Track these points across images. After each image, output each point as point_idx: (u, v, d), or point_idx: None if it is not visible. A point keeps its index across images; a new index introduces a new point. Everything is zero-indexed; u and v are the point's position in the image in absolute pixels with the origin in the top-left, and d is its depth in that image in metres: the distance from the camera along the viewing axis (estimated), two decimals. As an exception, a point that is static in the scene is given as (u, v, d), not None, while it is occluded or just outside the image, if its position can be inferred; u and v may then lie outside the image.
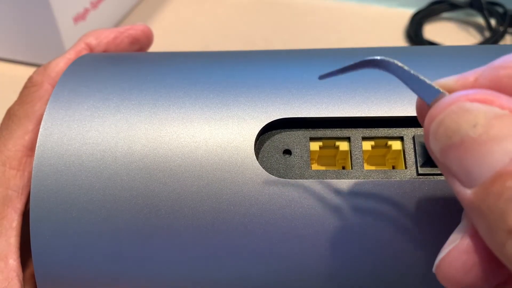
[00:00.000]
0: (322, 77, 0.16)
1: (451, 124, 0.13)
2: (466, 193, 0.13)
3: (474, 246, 0.13)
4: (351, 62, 0.15)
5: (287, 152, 0.20)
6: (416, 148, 0.19)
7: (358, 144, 0.20)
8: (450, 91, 0.14)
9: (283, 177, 0.19)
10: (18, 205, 0.21)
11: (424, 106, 0.15)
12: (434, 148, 0.14)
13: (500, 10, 0.48)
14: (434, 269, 0.14)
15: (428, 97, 0.14)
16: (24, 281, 0.21)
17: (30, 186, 0.22)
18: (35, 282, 0.22)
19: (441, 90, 0.14)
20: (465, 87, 0.14)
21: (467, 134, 0.12)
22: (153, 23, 0.52)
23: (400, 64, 0.14)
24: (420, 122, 0.16)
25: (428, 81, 0.14)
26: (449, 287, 0.13)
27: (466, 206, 0.13)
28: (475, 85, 0.13)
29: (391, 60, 0.14)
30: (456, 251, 0.13)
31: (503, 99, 0.12)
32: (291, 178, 0.19)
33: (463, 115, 0.13)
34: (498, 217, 0.12)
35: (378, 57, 0.14)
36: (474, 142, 0.12)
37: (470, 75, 0.14)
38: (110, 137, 0.19)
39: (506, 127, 0.12)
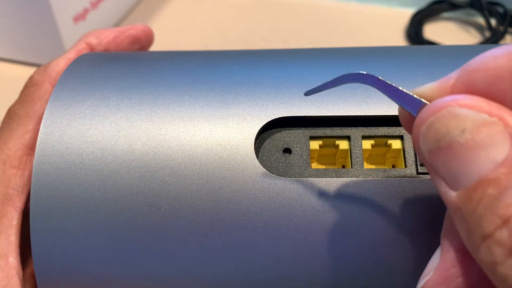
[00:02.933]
0: (307, 93, 0.17)
1: (440, 127, 0.13)
2: (450, 195, 0.13)
3: (446, 278, 0.14)
4: (337, 75, 0.16)
5: (287, 150, 0.20)
6: None
7: (358, 143, 0.20)
8: (430, 98, 0.14)
9: (283, 176, 0.19)
10: (18, 204, 0.21)
11: (407, 114, 0.15)
12: (423, 150, 0.14)
13: (500, 10, 0.49)
14: None
15: (411, 108, 0.14)
16: (24, 280, 0.21)
17: (30, 184, 0.22)
18: (35, 281, 0.22)
19: (424, 101, 0.14)
20: (443, 93, 0.14)
21: (455, 138, 0.13)
22: (153, 23, 0.52)
23: (381, 78, 0.14)
24: (404, 128, 0.16)
25: (410, 93, 0.14)
26: None
27: (450, 207, 0.13)
28: (453, 91, 0.14)
29: (373, 75, 0.15)
30: (430, 284, 0.14)
31: (492, 106, 0.13)
32: (291, 177, 0.19)
33: (452, 120, 0.13)
34: (476, 222, 0.12)
35: (361, 72, 0.15)
36: (461, 147, 0.13)
37: (449, 81, 0.14)
38: (110, 135, 0.19)
39: (493, 134, 0.12)
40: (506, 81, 0.13)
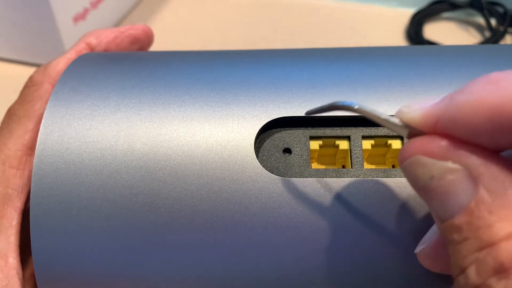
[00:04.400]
0: (308, 113, 0.18)
1: (412, 173, 0.14)
2: (437, 222, 0.14)
3: (436, 253, 0.16)
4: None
5: (287, 151, 0.20)
6: None
7: (358, 143, 0.20)
8: (413, 126, 0.14)
9: (283, 176, 0.19)
10: (18, 204, 0.21)
11: None
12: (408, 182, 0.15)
13: (500, 10, 0.49)
14: (415, 252, 0.17)
15: (400, 132, 0.15)
16: (24, 280, 0.21)
17: (29, 185, 0.22)
18: (35, 282, 0.22)
19: (407, 129, 0.15)
20: (427, 125, 0.14)
21: (426, 184, 0.14)
22: (153, 23, 0.52)
23: (368, 109, 0.15)
24: None
25: (396, 123, 0.15)
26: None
27: (439, 230, 0.14)
28: (436, 129, 0.14)
29: (361, 106, 0.15)
30: (424, 252, 0.16)
31: (456, 153, 0.13)
32: (291, 177, 0.19)
33: (420, 168, 0.14)
34: (453, 258, 0.13)
35: (349, 103, 0.15)
36: (432, 192, 0.14)
37: (433, 115, 0.14)
38: (110, 135, 0.19)
39: (456, 181, 0.13)
40: (485, 137, 0.13)
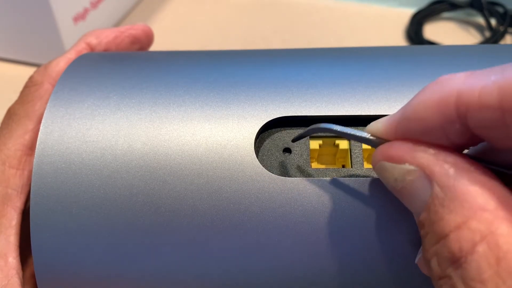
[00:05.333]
0: (294, 140, 0.19)
1: (382, 177, 0.16)
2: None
3: None
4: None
5: (287, 150, 0.20)
6: None
7: (357, 143, 0.20)
8: (378, 136, 0.16)
9: (283, 176, 0.19)
10: (18, 204, 0.21)
11: None
12: None
13: (500, 10, 0.49)
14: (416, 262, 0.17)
15: (373, 146, 0.16)
16: (24, 280, 0.21)
17: (29, 185, 0.22)
18: (35, 282, 0.22)
19: (376, 140, 0.16)
20: (390, 135, 0.16)
21: (393, 185, 0.15)
22: (153, 23, 0.52)
23: (338, 128, 0.17)
24: None
25: (365, 136, 0.16)
26: None
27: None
28: (396, 136, 0.15)
29: (336, 127, 0.17)
30: (420, 261, 0.16)
31: (410, 155, 0.14)
32: (291, 177, 0.19)
33: (385, 173, 0.15)
34: (423, 254, 0.14)
35: (324, 125, 0.17)
36: (399, 192, 0.15)
37: (391, 125, 0.16)
38: (110, 135, 0.19)
39: (414, 181, 0.14)
40: (437, 131, 0.14)
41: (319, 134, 0.20)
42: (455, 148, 0.14)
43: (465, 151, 0.15)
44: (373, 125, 0.16)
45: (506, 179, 0.14)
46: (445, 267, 0.13)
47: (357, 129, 0.17)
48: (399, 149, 0.15)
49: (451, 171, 0.13)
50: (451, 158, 0.14)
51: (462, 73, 0.14)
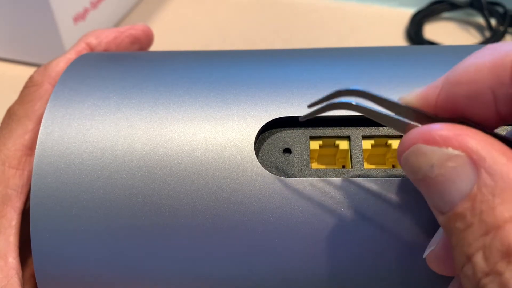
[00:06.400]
0: (302, 118, 0.18)
1: (413, 163, 0.14)
2: (437, 216, 0.14)
3: (445, 254, 0.15)
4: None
5: (287, 150, 0.20)
6: None
7: (358, 143, 0.20)
8: (417, 106, 0.15)
9: (283, 176, 0.19)
10: (17, 204, 0.21)
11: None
12: (408, 176, 0.15)
13: (500, 10, 0.48)
14: (424, 257, 0.16)
15: (398, 127, 0.15)
16: (24, 281, 0.21)
17: (29, 185, 0.22)
18: (35, 282, 0.22)
19: (406, 121, 0.15)
20: (427, 105, 0.15)
21: (427, 174, 0.14)
22: (153, 23, 0.52)
23: (361, 104, 0.15)
24: None
25: (391, 116, 0.15)
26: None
27: (440, 224, 0.14)
28: (437, 104, 0.14)
29: (359, 103, 0.15)
30: (433, 254, 0.16)
31: (456, 139, 0.13)
32: (291, 177, 0.19)
33: (421, 157, 0.14)
34: (457, 248, 0.13)
35: (346, 100, 0.16)
36: (433, 181, 0.14)
37: (432, 91, 0.15)
38: (110, 135, 0.19)
39: (457, 168, 0.13)
40: (486, 95, 0.13)
41: (319, 134, 0.20)
42: (497, 119, 0.14)
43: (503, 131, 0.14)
44: (409, 95, 0.15)
45: None
46: (494, 261, 0.12)
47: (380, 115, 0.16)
48: (444, 130, 0.13)
49: (503, 159, 0.12)
50: (500, 146, 0.13)
51: (511, 42, 0.13)
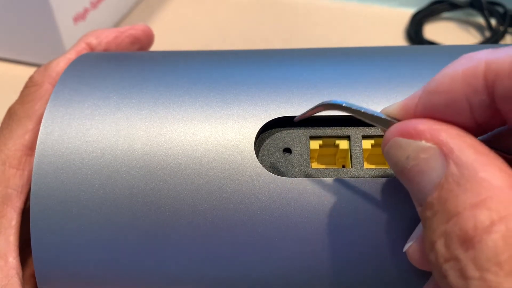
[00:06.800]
0: (296, 119, 0.19)
1: (392, 156, 0.15)
2: (417, 208, 0.14)
3: (423, 248, 0.15)
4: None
5: (287, 150, 0.20)
6: None
7: (358, 143, 0.20)
8: (398, 117, 0.16)
9: (283, 176, 0.19)
10: (17, 204, 0.21)
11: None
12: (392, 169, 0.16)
13: (500, 10, 0.49)
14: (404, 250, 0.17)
15: (382, 125, 0.16)
16: (24, 280, 0.21)
17: (29, 185, 0.22)
18: (35, 282, 0.22)
19: (389, 119, 0.16)
20: (407, 115, 0.15)
21: (404, 165, 0.15)
22: (153, 23, 0.52)
23: (355, 107, 0.16)
24: None
25: (377, 115, 0.16)
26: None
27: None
28: (415, 112, 0.15)
29: (348, 104, 0.16)
30: (411, 249, 0.16)
31: (429, 132, 0.14)
32: (291, 177, 0.19)
33: (398, 150, 0.15)
34: (425, 236, 0.14)
35: (335, 101, 0.17)
36: (409, 172, 0.14)
37: (411, 101, 0.15)
38: (110, 135, 0.19)
39: (428, 159, 0.14)
40: (461, 103, 0.14)
41: (319, 134, 0.20)
42: (475, 127, 0.14)
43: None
44: (390, 106, 0.16)
45: None
46: (454, 248, 0.12)
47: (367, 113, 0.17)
48: (418, 124, 0.14)
49: (470, 151, 0.13)
50: (470, 139, 0.14)
51: (485, 50, 0.14)
